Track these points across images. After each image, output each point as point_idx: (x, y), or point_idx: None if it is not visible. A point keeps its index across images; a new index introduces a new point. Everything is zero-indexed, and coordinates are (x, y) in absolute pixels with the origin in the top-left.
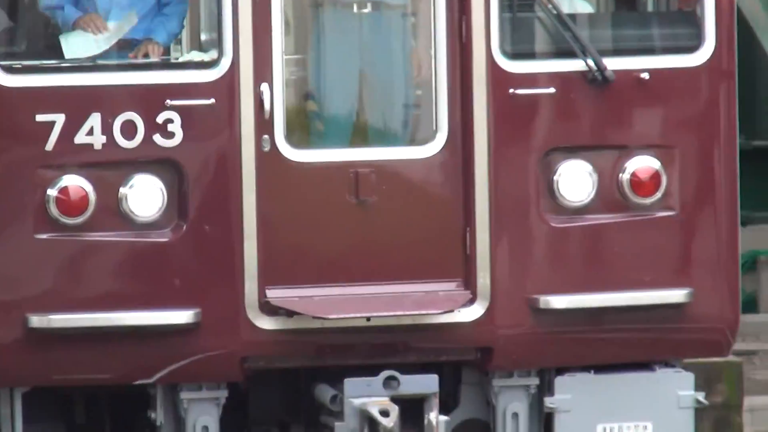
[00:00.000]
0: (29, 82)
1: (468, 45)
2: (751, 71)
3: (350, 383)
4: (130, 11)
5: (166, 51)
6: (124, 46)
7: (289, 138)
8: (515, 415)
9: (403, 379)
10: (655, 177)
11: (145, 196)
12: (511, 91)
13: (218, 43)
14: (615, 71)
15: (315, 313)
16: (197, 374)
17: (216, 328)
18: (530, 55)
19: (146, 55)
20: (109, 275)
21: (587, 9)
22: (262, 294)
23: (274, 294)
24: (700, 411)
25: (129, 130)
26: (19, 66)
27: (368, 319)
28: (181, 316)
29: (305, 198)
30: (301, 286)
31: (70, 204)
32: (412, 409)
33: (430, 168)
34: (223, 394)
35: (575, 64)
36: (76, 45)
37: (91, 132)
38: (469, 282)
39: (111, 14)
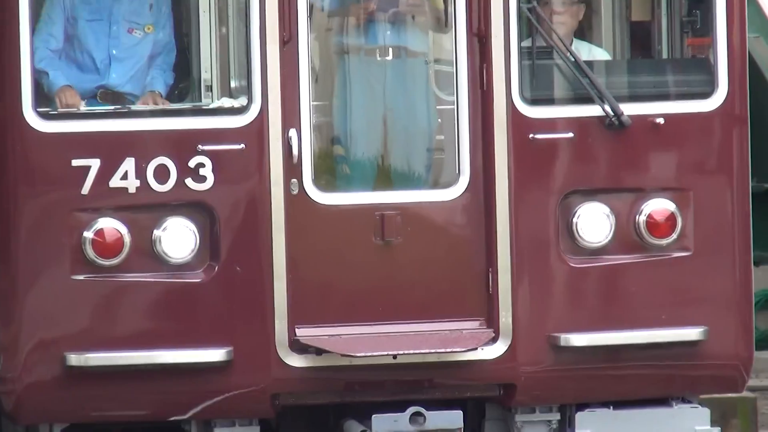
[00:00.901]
0: (65, 128)
1: (489, 91)
2: (763, 116)
3: (378, 419)
4: (126, 67)
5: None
6: (120, 99)
7: (317, 181)
8: None
9: (429, 414)
10: (671, 219)
11: (177, 238)
12: (531, 135)
13: (248, 90)
14: (631, 116)
15: (343, 351)
16: (230, 410)
17: (247, 365)
18: (549, 101)
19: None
20: (143, 315)
21: (604, 56)
22: (291, 332)
23: (303, 332)
24: None
25: (162, 174)
26: (55, 113)
27: (395, 356)
28: (214, 355)
29: (332, 239)
30: (329, 325)
31: (105, 246)
32: None
33: (453, 210)
34: (255, 430)
35: (593, 110)
36: None
37: (125, 176)
38: (491, 320)
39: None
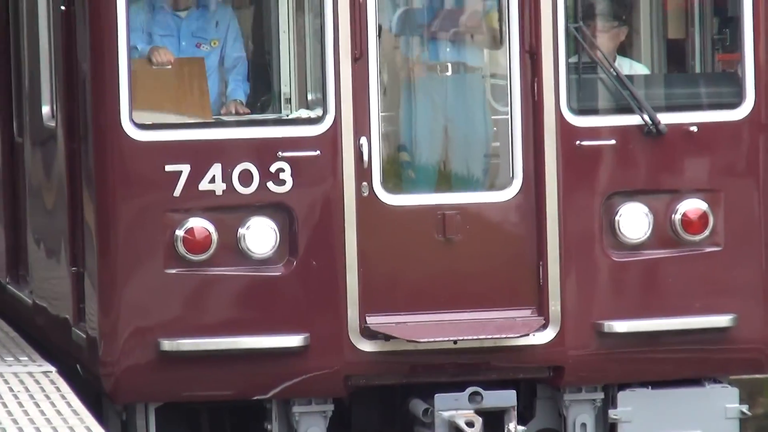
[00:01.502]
0: (159, 137)
1: (540, 102)
2: None
3: (440, 398)
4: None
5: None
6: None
7: (385, 184)
8: (584, 425)
9: (486, 394)
10: (703, 217)
11: (260, 235)
12: (577, 142)
13: (323, 102)
14: (668, 125)
15: (409, 336)
16: (307, 390)
17: (323, 350)
18: (594, 111)
19: (237, 113)
20: (229, 305)
21: (643, 71)
22: (362, 320)
23: (373, 320)
24: (744, 421)
25: (246, 178)
26: (150, 123)
27: (455, 342)
28: (292, 340)
29: (399, 236)
30: (396, 313)
31: (195, 243)
32: (494, 420)
33: (507, 210)
34: (329, 407)
35: (633, 119)
36: None
37: (213, 180)
38: (542, 309)
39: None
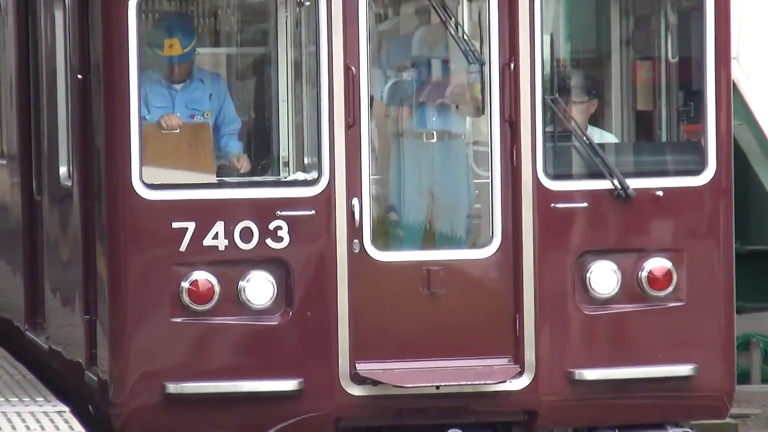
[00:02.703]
0: (167, 196)
1: (518, 168)
2: (746, 189)
3: None
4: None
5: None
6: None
7: (375, 242)
8: None
9: None
10: (668, 275)
11: (259, 288)
12: (552, 205)
13: (318, 166)
14: (636, 189)
15: (395, 382)
16: (301, 431)
17: (316, 394)
18: (568, 176)
19: (242, 166)
20: (230, 351)
21: (613, 139)
22: (353, 367)
23: (362, 367)
24: None
25: (247, 235)
26: (159, 183)
27: (438, 387)
28: (288, 385)
29: (387, 290)
30: (384, 361)
31: (199, 294)
32: None
33: (487, 266)
34: None
35: (604, 184)
36: None
37: (216, 236)
38: (518, 358)
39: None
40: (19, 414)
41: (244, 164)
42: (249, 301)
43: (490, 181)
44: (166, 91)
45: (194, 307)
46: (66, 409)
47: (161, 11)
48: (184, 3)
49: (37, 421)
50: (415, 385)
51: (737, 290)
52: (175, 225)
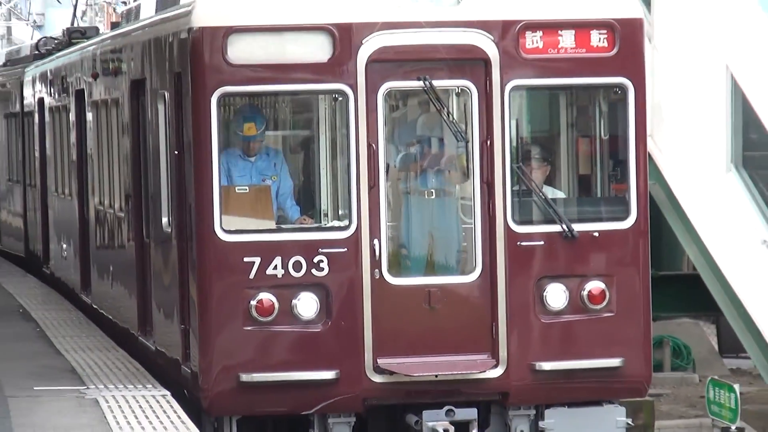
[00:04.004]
0: (240, 239)
1: (493, 216)
2: (659, 230)
3: (426, 413)
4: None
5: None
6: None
7: (390, 270)
8: None
9: (457, 411)
10: (602, 293)
11: (307, 304)
12: (518, 243)
13: (349, 216)
14: (579, 231)
15: (406, 372)
16: (337, 408)
17: (348, 381)
18: (530, 222)
19: (307, 222)
20: (285, 350)
21: (562, 195)
22: (375, 361)
23: (382, 361)
24: (628, 430)
25: (297, 266)
26: (234, 229)
27: (436, 376)
28: (328, 374)
29: (399, 305)
30: (398, 357)
31: (263, 309)
32: (462, 429)
33: (471, 288)
34: (353, 420)
35: (555, 227)
36: None
37: (275, 267)
38: (494, 354)
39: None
40: (134, 397)
41: (308, 221)
42: (299, 314)
43: (473, 226)
44: (242, 163)
45: (260, 318)
46: (167, 393)
47: (241, 102)
48: (254, 97)
49: (147, 401)
50: (420, 374)
51: (653, 304)
52: (246, 259)
